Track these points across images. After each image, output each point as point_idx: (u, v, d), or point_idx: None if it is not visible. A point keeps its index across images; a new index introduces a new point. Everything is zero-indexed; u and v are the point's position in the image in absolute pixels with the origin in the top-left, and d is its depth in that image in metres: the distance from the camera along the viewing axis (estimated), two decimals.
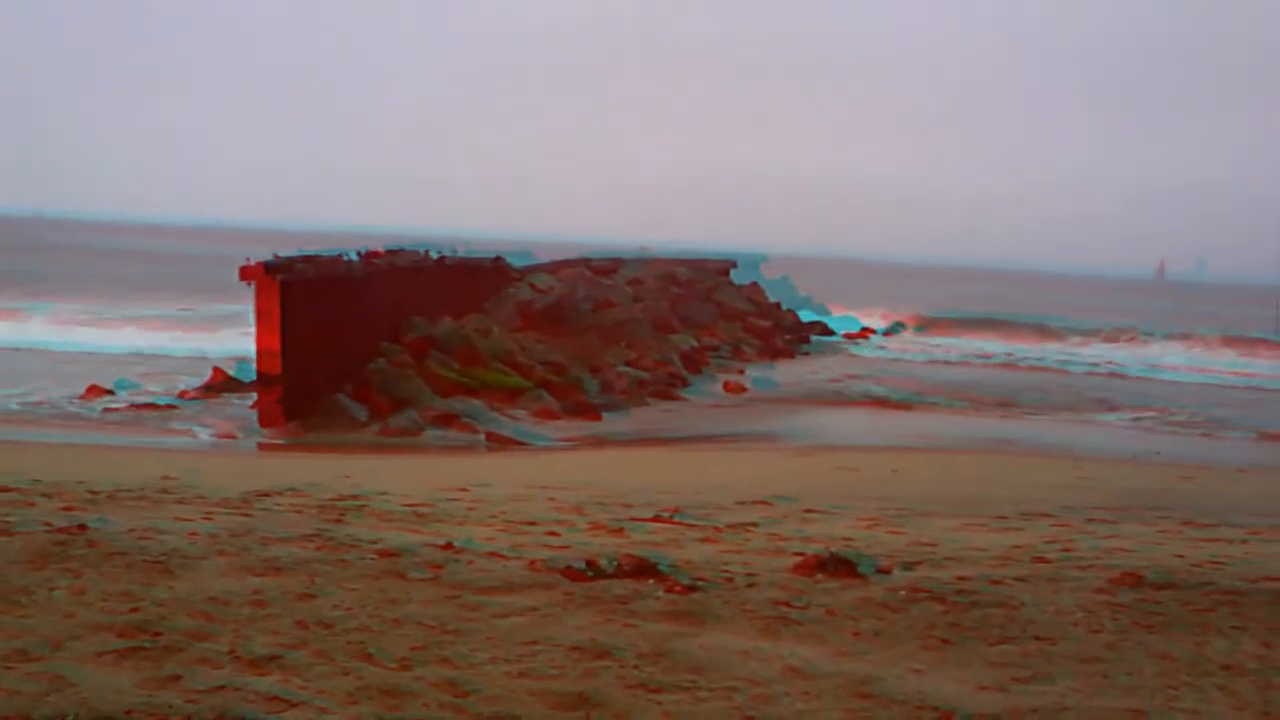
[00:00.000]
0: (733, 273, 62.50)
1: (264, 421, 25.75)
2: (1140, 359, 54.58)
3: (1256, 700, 5.74)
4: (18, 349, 37.90)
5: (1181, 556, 10.13)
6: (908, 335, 62.32)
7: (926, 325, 66.36)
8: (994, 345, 60.22)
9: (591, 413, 29.80)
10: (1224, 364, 53.02)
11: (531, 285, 44.22)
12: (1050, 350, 56.63)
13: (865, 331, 60.12)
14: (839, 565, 8.41)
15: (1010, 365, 48.43)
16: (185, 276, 72.27)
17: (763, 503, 14.43)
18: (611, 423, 29.20)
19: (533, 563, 8.34)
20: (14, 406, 27.36)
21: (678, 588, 7.64)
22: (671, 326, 44.25)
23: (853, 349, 54.14)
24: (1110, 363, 51.89)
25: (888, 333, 61.84)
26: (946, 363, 49.19)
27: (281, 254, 27.72)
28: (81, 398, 28.29)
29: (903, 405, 35.32)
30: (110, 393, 28.84)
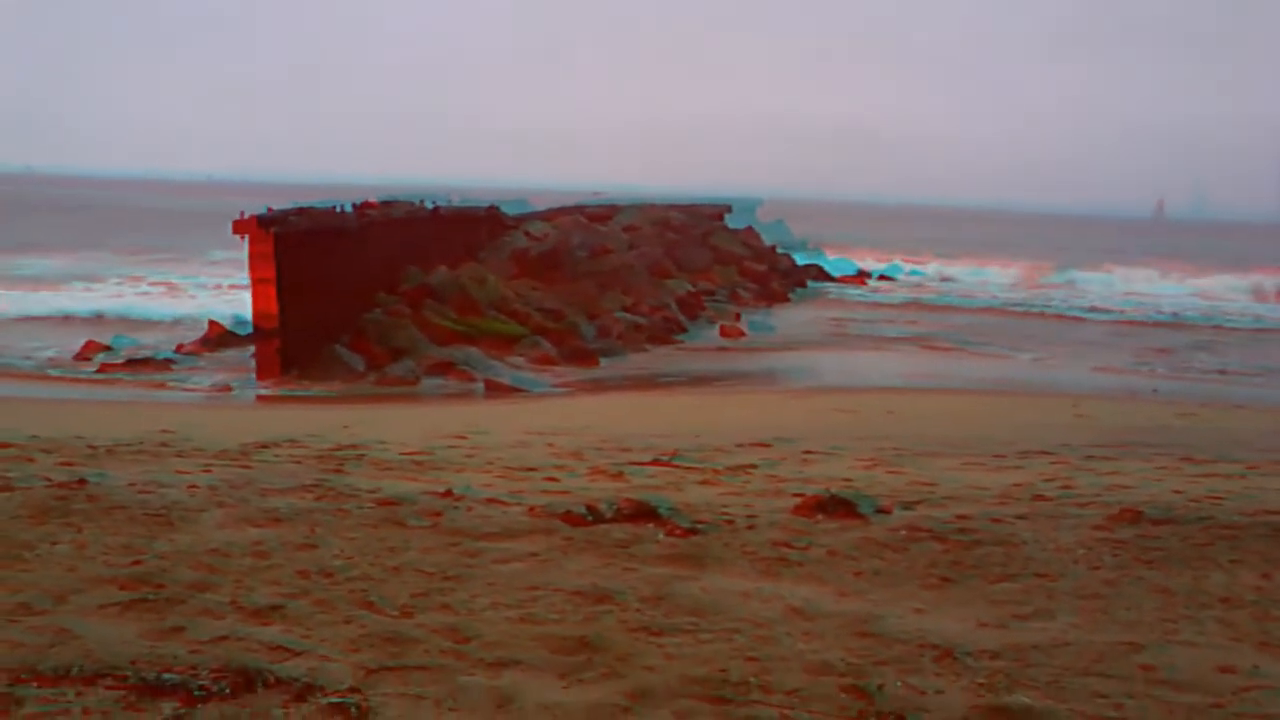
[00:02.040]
0: (728, 217, 62.30)
1: (261, 373, 25.72)
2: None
3: (1254, 631, 5.77)
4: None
5: (1180, 492, 10.16)
6: (910, 276, 62.06)
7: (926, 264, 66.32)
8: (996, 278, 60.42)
9: (589, 358, 29.78)
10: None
11: (527, 233, 44.10)
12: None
13: (861, 275, 59.83)
14: (839, 506, 8.43)
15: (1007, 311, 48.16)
16: (177, 231, 72.14)
17: (761, 445, 14.45)
18: (609, 368, 29.18)
19: (532, 508, 8.35)
20: (12, 362, 27.37)
21: (677, 531, 7.65)
22: (667, 272, 44.15)
23: (849, 292, 53.98)
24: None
25: (883, 276, 61.56)
26: (947, 307, 49.01)
27: (275, 207, 27.63)
28: (78, 354, 28.25)
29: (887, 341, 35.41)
30: (107, 348, 28.79)
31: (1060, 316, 45.99)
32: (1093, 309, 48.69)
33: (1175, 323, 45.08)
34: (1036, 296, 53.86)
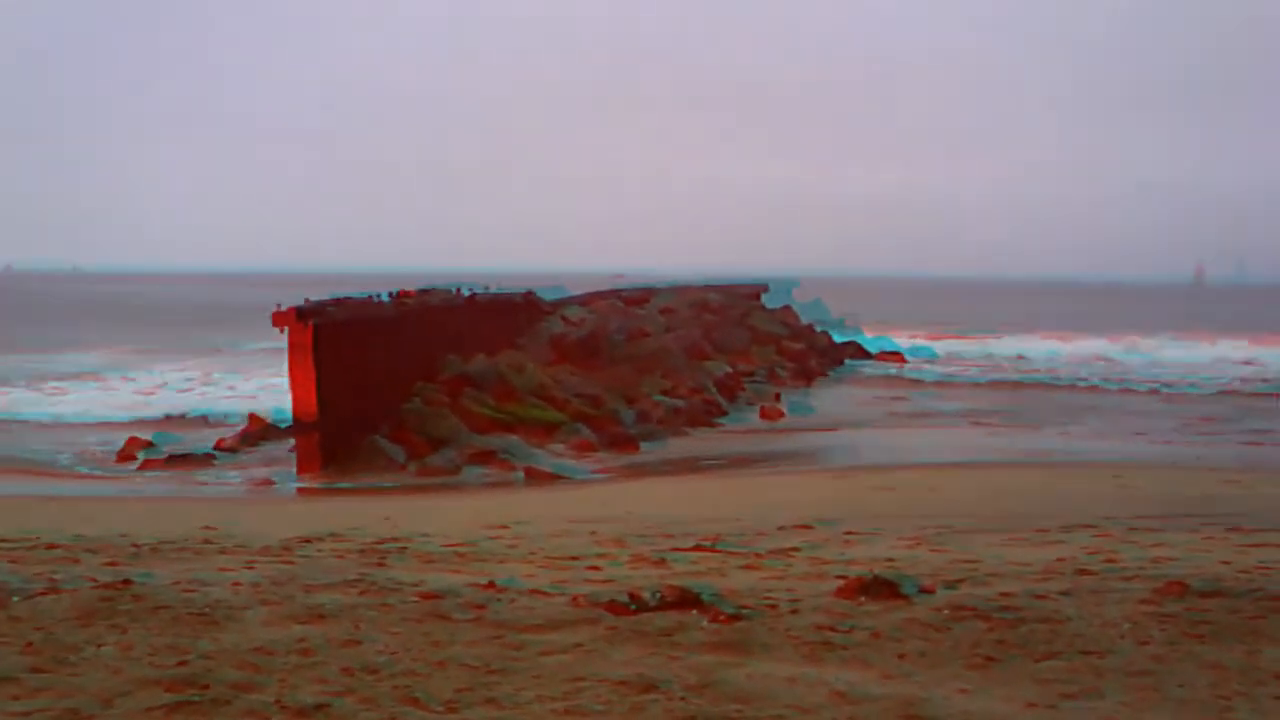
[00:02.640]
0: (765, 297, 62.46)
1: (302, 467, 25.83)
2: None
3: None
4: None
5: (1228, 563, 10.05)
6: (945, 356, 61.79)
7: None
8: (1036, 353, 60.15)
9: (629, 444, 29.80)
10: None
11: (564, 319, 44.36)
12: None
13: (898, 355, 59.48)
14: (882, 587, 8.38)
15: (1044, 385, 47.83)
16: (214, 325, 72.76)
17: (803, 526, 14.41)
18: (649, 453, 29.19)
19: (575, 598, 8.33)
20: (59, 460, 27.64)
21: (721, 617, 7.62)
22: (705, 353, 44.24)
23: (888, 370, 53.87)
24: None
25: (893, 354, 61.19)
26: (988, 384, 48.77)
27: (312, 298, 27.88)
28: (121, 452, 28.47)
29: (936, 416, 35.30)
30: (149, 444, 29.00)
31: (1094, 389, 45.73)
32: (1131, 379, 48.45)
33: (1221, 390, 44.81)
34: (1077, 369, 53.65)
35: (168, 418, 35.87)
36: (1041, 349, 62.50)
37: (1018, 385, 47.02)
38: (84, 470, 26.86)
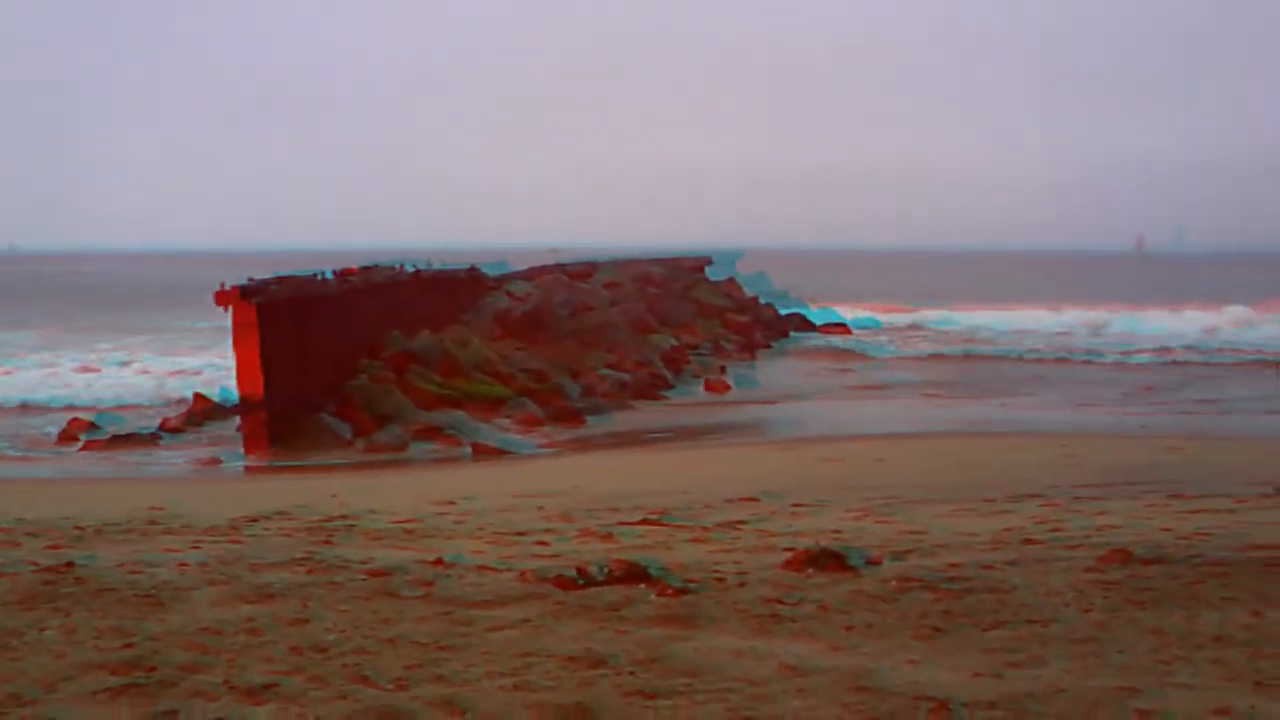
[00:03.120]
0: (709, 270, 62.50)
1: (249, 446, 25.67)
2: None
3: (1248, 670, 5.77)
4: None
5: (1169, 530, 10.18)
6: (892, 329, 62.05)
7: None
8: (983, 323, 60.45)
9: (575, 418, 29.80)
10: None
11: (508, 294, 44.26)
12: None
13: (843, 327, 59.58)
14: (829, 559, 8.43)
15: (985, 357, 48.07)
16: (156, 305, 72.14)
17: (750, 499, 14.46)
18: (595, 427, 29.19)
19: (523, 574, 8.34)
20: None
21: (669, 591, 7.64)
22: (650, 327, 44.27)
23: (833, 342, 54.02)
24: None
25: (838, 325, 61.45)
26: (933, 355, 49.03)
27: (255, 277, 27.68)
28: (63, 432, 28.18)
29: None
30: (92, 426, 28.72)
31: (1040, 361, 46.01)
32: (1076, 350, 48.80)
33: (1163, 361, 45.19)
34: (1022, 339, 53.97)
35: (108, 398, 35.45)
36: (989, 320, 62.78)
37: (966, 358, 47.25)
38: (23, 453, 26.55)
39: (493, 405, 30.19)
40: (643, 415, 31.37)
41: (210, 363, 40.38)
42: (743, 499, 14.49)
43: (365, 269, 35.78)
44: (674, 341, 43.27)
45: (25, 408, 33.85)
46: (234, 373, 26.51)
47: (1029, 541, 9.72)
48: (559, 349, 36.64)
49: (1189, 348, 49.10)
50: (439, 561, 9.06)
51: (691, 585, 7.85)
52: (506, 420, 29.36)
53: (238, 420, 27.11)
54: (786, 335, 54.94)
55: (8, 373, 40.50)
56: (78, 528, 12.42)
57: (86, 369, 41.74)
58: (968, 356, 47.59)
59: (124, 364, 43.42)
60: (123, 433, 27.96)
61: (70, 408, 32.79)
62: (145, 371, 41.03)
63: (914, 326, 62.38)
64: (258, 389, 25.77)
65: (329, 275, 32.03)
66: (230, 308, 25.82)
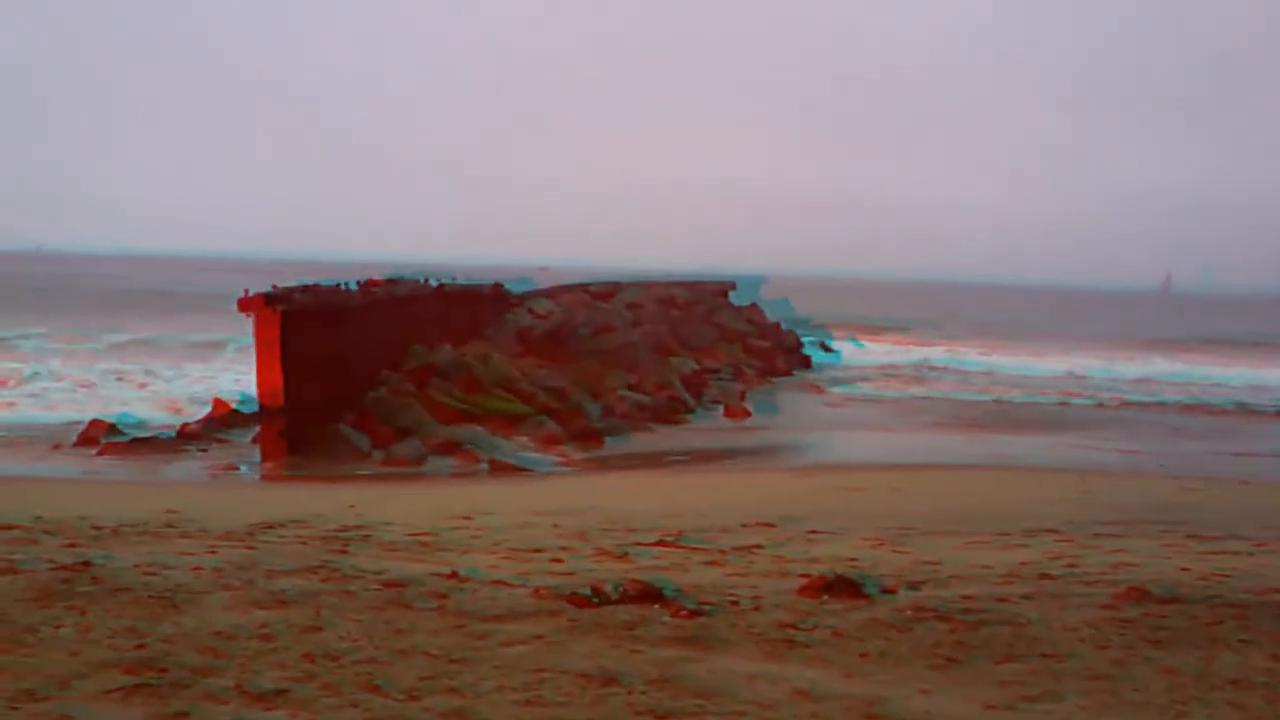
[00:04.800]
0: (732, 294, 62.46)
1: (267, 453, 25.71)
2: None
3: (1266, 714, 5.73)
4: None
5: (1188, 570, 10.12)
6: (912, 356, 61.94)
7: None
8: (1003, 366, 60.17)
9: (594, 438, 29.78)
10: None
11: (531, 311, 44.26)
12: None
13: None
14: (844, 586, 8.40)
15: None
16: (184, 308, 72.39)
17: (767, 524, 14.43)
18: (614, 448, 29.18)
19: (538, 590, 8.33)
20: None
21: (683, 612, 7.63)
22: (671, 349, 44.24)
23: (853, 368, 53.88)
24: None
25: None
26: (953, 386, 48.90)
27: (280, 284, 27.75)
28: (83, 434, 28.25)
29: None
30: (112, 428, 28.78)
31: (1065, 404, 45.79)
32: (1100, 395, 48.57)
33: (1189, 405, 44.94)
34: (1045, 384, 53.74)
35: (130, 401, 35.53)
36: (1012, 363, 62.44)
37: (989, 402, 47.06)
38: (43, 453, 26.62)
39: (512, 422, 30.18)
40: (662, 437, 31.35)
41: (230, 370, 40.45)
42: (759, 524, 14.45)
43: (390, 281, 35.83)
44: (695, 365, 43.21)
45: (48, 408, 33.96)
46: (254, 380, 26.57)
47: (1045, 576, 9.67)
48: (580, 368, 36.63)
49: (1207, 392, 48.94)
50: (454, 575, 9.06)
51: (706, 607, 7.83)
52: (525, 438, 29.34)
53: (256, 427, 27.16)
54: (808, 362, 54.89)
55: (33, 373, 40.64)
56: (95, 528, 12.46)
57: (116, 373, 41.87)
58: (995, 402, 47.41)
59: (147, 370, 43.54)
60: (142, 436, 28.03)
61: (88, 409, 32.87)
62: (167, 377, 41.15)
63: (934, 365, 62.16)
64: (278, 397, 25.81)
65: (353, 285, 32.10)
66: (254, 314, 25.89)
